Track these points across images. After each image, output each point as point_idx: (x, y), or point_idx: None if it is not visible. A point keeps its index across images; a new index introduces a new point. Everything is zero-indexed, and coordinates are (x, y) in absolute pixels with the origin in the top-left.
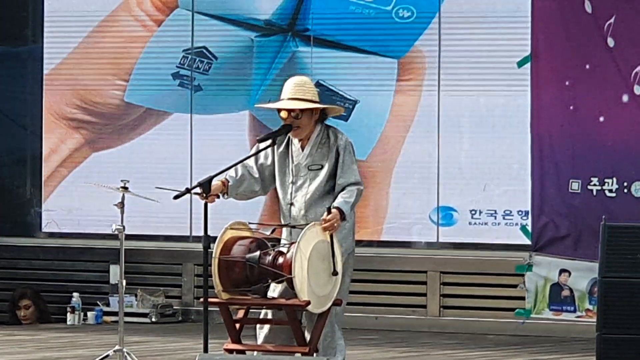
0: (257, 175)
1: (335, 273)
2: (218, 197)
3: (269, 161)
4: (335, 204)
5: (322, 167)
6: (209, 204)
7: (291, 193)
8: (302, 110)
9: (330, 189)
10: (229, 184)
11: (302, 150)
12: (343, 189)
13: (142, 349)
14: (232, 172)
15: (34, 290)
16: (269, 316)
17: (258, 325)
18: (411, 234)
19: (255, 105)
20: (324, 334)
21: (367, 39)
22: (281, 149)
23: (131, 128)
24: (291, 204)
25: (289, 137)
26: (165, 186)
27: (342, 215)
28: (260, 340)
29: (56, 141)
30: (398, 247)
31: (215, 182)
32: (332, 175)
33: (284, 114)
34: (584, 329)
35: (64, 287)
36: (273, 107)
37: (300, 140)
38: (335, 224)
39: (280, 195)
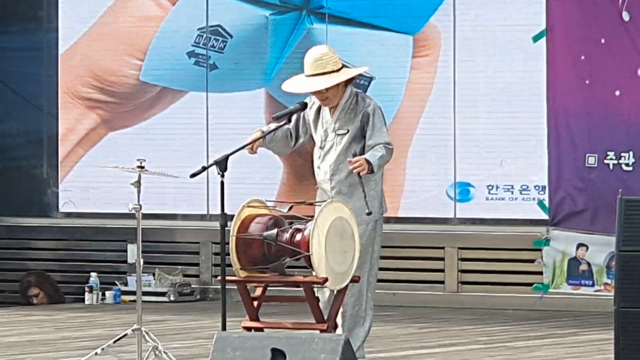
0: (290, 134)
1: (369, 213)
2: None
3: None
4: (363, 156)
5: (348, 131)
6: (225, 183)
7: (320, 157)
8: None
9: (354, 151)
10: (264, 136)
11: (332, 115)
12: (372, 149)
13: (161, 328)
14: (272, 126)
15: (38, 275)
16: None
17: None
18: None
19: (282, 88)
20: (352, 302)
21: (381, 15)
22: (313, 114)
23: (147, 107)
24: (319, 167)
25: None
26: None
27: (371, 167)
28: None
29: (72, 121)
30: (415, 223)
31: (255, 134)
32: (356, 139)
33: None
34: (602, 303)
35: (82, 267)
36: (297, 92)
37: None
38: (364, 165)
39: (314, 159)
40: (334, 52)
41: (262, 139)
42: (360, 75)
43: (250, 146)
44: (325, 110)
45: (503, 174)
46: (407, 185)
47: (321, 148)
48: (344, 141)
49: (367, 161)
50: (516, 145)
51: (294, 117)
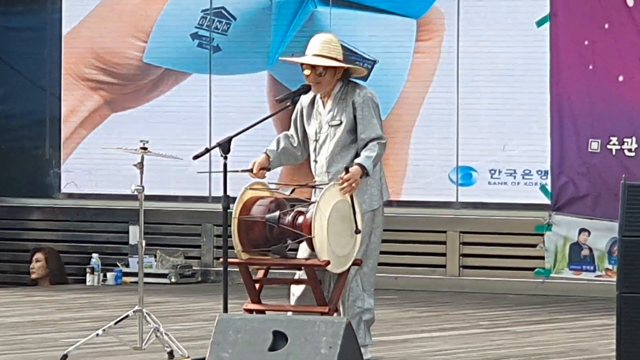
0: (295, 144)
1: (357, 231)
2: (269, 169)
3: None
4: (356, 160)
5: (341, 122)
6: (227, 165)
7: (315, 150)
8: (325, 68)
9: (350, 143)
10: (270, 159)
11: (324, 107)
12: (365, 145)
13: (162, 310)
14: (273, 145)
15: (50, 250)
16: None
17: (292, 286)
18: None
19: (280, 59)
20: (349, 289)
21: None
22: (307, 108)
23: (150, 88)
24: (315, 161)
25: (314, 96)
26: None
27: (365, 171)
28: (292, 302)
29: (75, 102)
30: (418, 207)
31: (260, 159)
32: (351, 131)
33: (307, 71)
34: (603, 288)
35: (84, 248)
36: (298, 62)
37: (322, 97)
38: (354, 184)
39: (310, 153)
40: (339, 44)
41: (268, 162)
42: (357, 75)
43: (257, 171)
44: (319, 103)
45: (505, 159)
46: (410, 169)
47: (316, 141)
48: (339, 133)
49: (361, 166)
50: (519, 130)
51: (292, 122)
